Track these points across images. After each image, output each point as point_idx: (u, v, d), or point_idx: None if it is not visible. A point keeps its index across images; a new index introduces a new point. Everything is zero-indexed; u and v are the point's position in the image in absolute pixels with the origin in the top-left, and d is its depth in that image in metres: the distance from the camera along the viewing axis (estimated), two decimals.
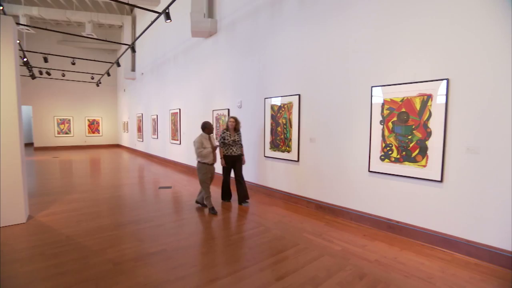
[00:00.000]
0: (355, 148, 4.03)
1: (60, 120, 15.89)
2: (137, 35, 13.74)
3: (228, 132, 4.82)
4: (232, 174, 5.01)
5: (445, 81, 3.02)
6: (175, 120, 9.02)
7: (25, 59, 10.86)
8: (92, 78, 13.73)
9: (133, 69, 13.79)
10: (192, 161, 8.20)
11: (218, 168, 5.18)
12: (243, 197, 4.94)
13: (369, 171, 3.84)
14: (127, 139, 15.70)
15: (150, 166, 9.74)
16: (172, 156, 9.54)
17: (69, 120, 16.14)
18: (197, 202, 4.91)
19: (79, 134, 16.46)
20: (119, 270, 2.74)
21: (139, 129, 12.94)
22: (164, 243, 3.37)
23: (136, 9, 13.91)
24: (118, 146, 17.52)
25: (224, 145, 4.82)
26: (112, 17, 14.46)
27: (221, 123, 6.71)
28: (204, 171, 4.54)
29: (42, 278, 2.61)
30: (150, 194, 5.89)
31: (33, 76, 13.22)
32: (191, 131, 8.22)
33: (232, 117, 4.88)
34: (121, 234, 3.66)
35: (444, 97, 3.04)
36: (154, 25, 7.71)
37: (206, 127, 4.59)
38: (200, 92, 7.76)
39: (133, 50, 8.58)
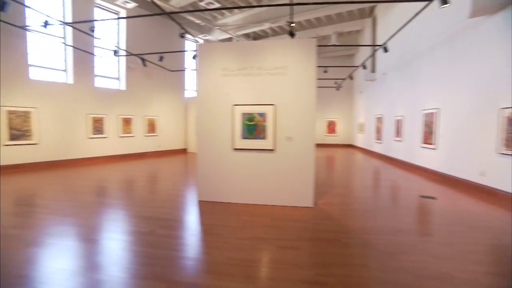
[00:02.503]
0: None
1: None
2: (377, 34, 13.57)
3: None
4: None
5: None
6: (430, 121, 7.89)
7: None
8: (335, 83, 15.16)
9: (373, 70, 13.76)
10: (454, 170, 6.80)
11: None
12: None
13: None
14: (361, 140, 16.06)
15: (392, 169, 9.23)
16: (422, 162, 8.47)
17: None
18: None
19: (319, 133, 18.89)
20: (420, 285, 2.49)
21: (378, 131, 12.73)
22: (468, 270, 2.77)
23: (377, 9, 13.76)
24: (350, 146, 18.38)
25: None
26: (352, 24, 15.25)
27: None
28: None
29: (343, 264, 2.86)
30: (410, 201, 5.39)
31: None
32: (455, 133, 6.83)
33: None
34: (405, 241, 3.44)
35: None
36: (400, 20, 7.06)
37: None
38: (474, 87, 6.22)
39: (385, 50, 8.38)
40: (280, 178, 4.77)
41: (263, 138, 4.74)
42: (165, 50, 10.81)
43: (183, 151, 14.50)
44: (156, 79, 12.72)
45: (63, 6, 9.51)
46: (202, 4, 11.23)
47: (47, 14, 6.56)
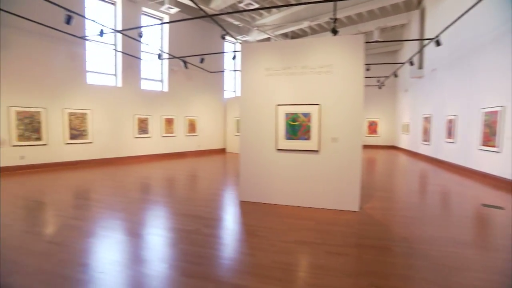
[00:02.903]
0: None
1: None
2: (426, 28, 12.61)
3: None
4: None
5: None
6: (492, 121, 7.10)
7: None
8: (378, 82, 14.38)
9: (420, 67, 12.81)
10: None
11: None
12: None
13: None
14: (406, 141, 15.06)
15: (442, 173, 8.48)
16: (480, 166, 7.67)
17: None
18: None
19: None
20: None
21: (425, 131, 11.83)
22: None
23: (425, 0, 12.79)
24: (393, 147, 17.33)
25: None
26: (397, 17, 14.30)
27: None
28: None
29: (400, 275, 2.64)
30: (470, 210, 4.88)
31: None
32: None
33: None
34: (469, 256, 3.09)
35: None
36: (454, 10, 6.40)
37: None
38: None
39: (438, 43, 7.74)
40: (324, 181, 4.60)
41: (308, 139, 4.61)
42: (205, 52, 11.11)
43: (222, 151, 14.79)
44: (196, 80, 13.14)
45: (115, 15, 10.23)
46: (241, 5, 11.33)
47: (103, 24, 7.08)
